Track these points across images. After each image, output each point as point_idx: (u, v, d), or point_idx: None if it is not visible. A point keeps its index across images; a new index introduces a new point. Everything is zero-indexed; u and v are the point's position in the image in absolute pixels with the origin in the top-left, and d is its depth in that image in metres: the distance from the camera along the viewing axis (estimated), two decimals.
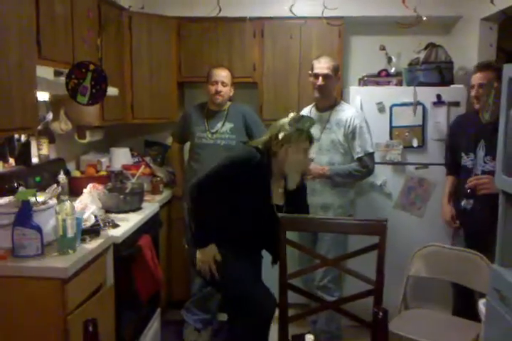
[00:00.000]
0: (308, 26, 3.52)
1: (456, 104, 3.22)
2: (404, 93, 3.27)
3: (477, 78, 2.65)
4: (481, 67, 2.68)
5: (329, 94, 2.91)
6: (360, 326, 2.02)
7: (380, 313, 1.14)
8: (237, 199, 2.25)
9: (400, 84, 3.44)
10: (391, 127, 3.27)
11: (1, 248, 1.97)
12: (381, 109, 3.29)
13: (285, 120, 2.28)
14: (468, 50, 3.39)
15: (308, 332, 2.62)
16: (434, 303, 2.93)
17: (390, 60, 3.58)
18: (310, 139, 2.26)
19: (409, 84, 3.38)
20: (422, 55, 3.36)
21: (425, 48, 3.39)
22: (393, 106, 3.27)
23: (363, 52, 3.84)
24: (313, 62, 2.93)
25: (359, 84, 3.54)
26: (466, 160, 2.74)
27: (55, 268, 1.85)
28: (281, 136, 2.20)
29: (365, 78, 3.49)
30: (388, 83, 3.44)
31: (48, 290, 1.84)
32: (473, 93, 2.67)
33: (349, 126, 2.84)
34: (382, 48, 3.60)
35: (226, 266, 2.27)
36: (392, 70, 3.53)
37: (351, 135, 2.84)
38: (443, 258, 2.62)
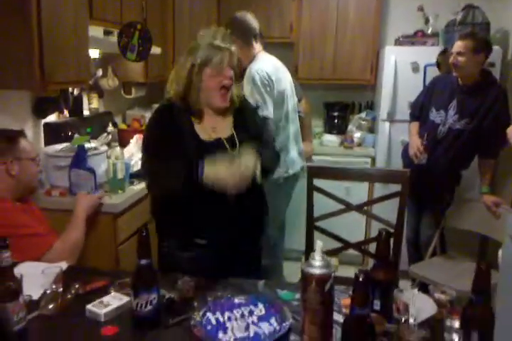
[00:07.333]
0: None
1: (492, 65, 3.23)
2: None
3: (456, 46, 2.69)
4: (462, 35, 2.71)
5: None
6: None
7: (384, 232, 1.29)
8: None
9: (436, 44, 3.47)
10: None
11: (60, 186, 2.23)
12: (415, 69, 3.35)
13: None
14: (507, 11, 3.37)
15: None
16: (459, 250, 3.06)
17: (427, 20, 3.60)
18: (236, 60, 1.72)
19: (446, 45, 3.41)
20: (459, 16, 3.37)
21: (463, 9, 3.39)
22: (427, 66, 3.32)
23: (401, 12, 3.84)
24: None
25: (395, 44, 3.59)
26: (435, 115, 2.82)
27: (108, 204, 2.10)
28: (198, 59, 1.67)
29: (401, 38, 3.53)
30: (424, 43, 3.47)
31: (102, 223, 2.09)
32: (451, 60, 2.71)
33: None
34: (420, 9, 3.61)
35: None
36: (429, 31, 3.56)
37: None
38: (470, 210, 2.80)
